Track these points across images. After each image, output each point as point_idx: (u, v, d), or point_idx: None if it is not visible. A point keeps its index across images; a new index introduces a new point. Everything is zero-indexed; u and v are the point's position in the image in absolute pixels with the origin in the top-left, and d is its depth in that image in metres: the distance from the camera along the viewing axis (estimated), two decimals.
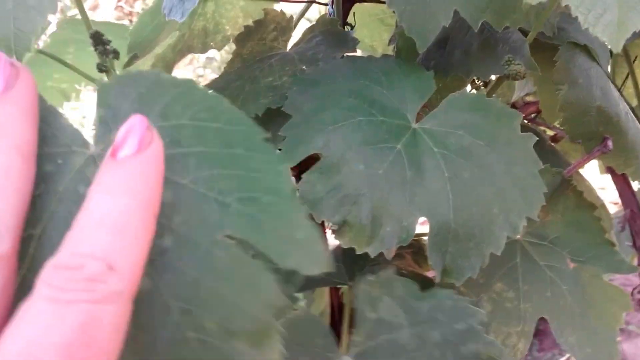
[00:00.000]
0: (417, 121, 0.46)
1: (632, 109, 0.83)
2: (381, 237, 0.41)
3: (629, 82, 0.82)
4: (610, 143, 0.51)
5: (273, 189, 0.24)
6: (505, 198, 0.43)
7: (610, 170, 0.83)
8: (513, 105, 0.69)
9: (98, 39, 0.49)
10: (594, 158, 0.52)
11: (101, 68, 0.49)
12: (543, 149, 0.59)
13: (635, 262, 0.89)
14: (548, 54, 0.51)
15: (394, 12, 0.46)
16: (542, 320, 0.52)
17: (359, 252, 0.41)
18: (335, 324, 0.57)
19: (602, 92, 0.50)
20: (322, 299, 0.61)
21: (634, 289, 0.90)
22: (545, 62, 0.51)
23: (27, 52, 0.38)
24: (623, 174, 0.84)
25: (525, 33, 0.50)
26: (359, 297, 0.39)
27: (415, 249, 0.57)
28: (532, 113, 0.67)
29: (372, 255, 0.41)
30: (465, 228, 0.42)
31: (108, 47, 0.49)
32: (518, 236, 0.53)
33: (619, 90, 0.78)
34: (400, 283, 0.41)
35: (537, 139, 0.45)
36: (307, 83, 0.47)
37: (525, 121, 0.68)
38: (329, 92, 0.46)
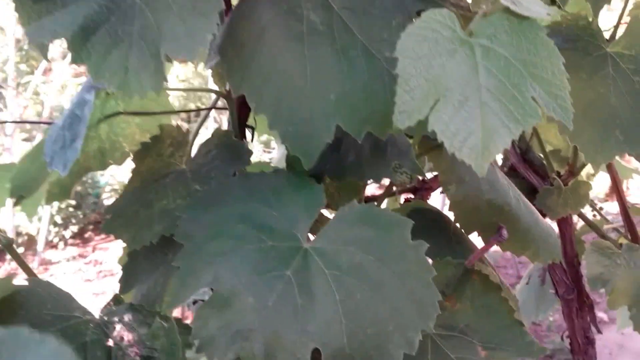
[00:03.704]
0: (309, 239, 0.46)
1: (541, 164, 0.86)
2: None
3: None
4: (504, 232, 0.52)
5: None
6: (400, 314, 0.43)
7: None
8: (423, 181, 0.70)
9: None
10: (491, 247, 0.53)
11: None
12: (447, 237, 0.60)
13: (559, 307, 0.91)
14: (437, 151, 0.52)
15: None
16: None
17: None
18: None
19: (490, 185, 0.52)
20: None
21: (562, 333, 0.92)
22: (437, 158, 0.53)
23: None
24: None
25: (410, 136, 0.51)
26: None
27: None
28: None
29: None
30: (361, 351, 0.42)
31: None
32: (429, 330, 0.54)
33: (524, 151, 0.81)
34: None
35: (427, 246, 0.45)
36: (199, 208, 0.47)
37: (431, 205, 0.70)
38: (219, 219, 0.46)
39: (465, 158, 0.39)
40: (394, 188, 0.81)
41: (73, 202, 5.02)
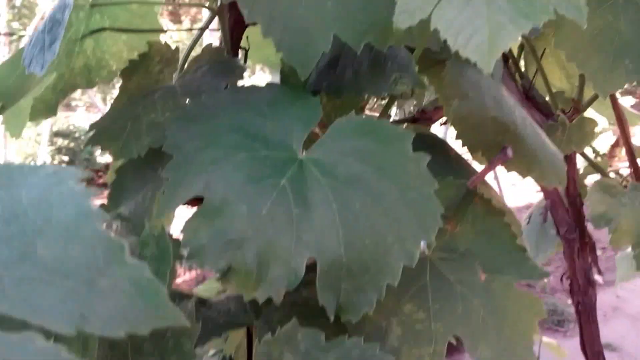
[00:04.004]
0: (306, 145, 0.44)
1: (545, 102, 0.84)
2: (269, 281, 0.39)
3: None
4: (509, 151, 0.50)
5: None
6: (399, 226, 0.41)
7: None
8: (423, 112, 0.68)
9: None
10: (495, 167, 0.51)
11: None
12: (447, 160, 0.58)
13: (561, 249, 0.90)
14: (438, 68, 0.50)
15: None
16: None
17: (247, 298, 0.39)
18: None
19: (495, 103, 0.49)
20: (237, 333, 0.59)
21: (562, 274, 0.91)
22: (438, 76, 0.50)
23: None
24: None
25: (412, 49, 0.48)
26: (260, 358, 0.37)
27: None
28: (443, 117, 0.67)
29: (261, 300, 0.39)
30: (359, 262, 0.40)
31: None
32: (427, 252, 0.52)
33: (526, 90, 0.78)
34: (303, 335, 0.38)
35: (429, 157, 0.43)
36: (189, 119, 0.45)
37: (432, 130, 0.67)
38: (210, 129, 0.44)
39: (470, 55, 0.36)
40: (391, 119, 0.79)
41: (66, 158, 4.96)
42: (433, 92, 0.72)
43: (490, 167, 0.51)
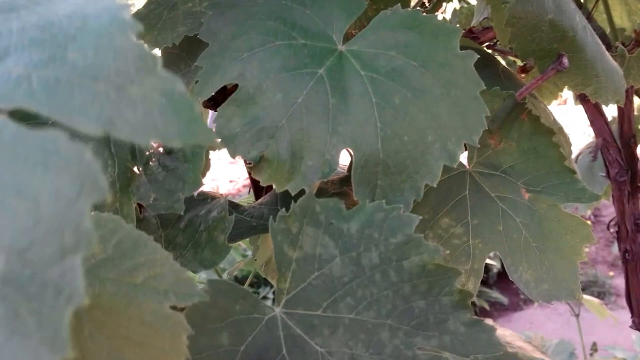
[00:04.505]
0: (345, 42, 0.41)
1: (603, 33, 0.78)
2: (302, 172, 0.38)
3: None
4: (565, 60, 0.46)
5: None
6: (441, 124, 0.39)
7: (582, 98, 0.78)
8: (470, 31, 0.64)
9: None
10: (548, 77, 0.47)
11: None
12: (495, 73, 0.55)
13: (610, 193, 0.86)
14: None
15: None
16: None
17: (278, 190, 0.38)
18: None
19: (555, 4, 0.45)
20: (268, 245, 0.58)
21: (610, 220, 0.87)
22: None
23: None
24: (596, 103, 0.80)
25: None
26: (276, 239, 0.36)
27: None
28: (492, 39, 0.63)
29: (293, 192, 0.37)
30: (396, 159, 0.38)
31: None
32: (467, 167, 0.49)
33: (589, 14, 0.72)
34: (321, 206, 0.36)
35: (478, 56, 0.40)
36: (225, 6, 0.43)
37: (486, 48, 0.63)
38: (247, 16, 0.42)
39: None
40: None
41: None
42: (481, 11, 0.68)
43: (543, 77, 0.48)
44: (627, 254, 0.83)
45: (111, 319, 0.21)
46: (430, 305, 0.33)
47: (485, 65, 0.54)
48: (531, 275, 0.48)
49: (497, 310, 3.25)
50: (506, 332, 0.85)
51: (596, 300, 1.25)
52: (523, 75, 0.90)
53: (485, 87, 0.40)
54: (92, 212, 0.22)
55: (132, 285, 0.21)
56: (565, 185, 0.50)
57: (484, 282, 3.33)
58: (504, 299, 3.28)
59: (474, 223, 0.47)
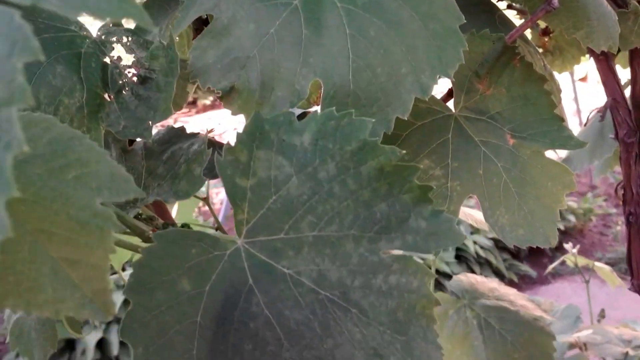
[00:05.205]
0: None
1: None
2: (272, 102, 0.38)
3: None
4: (555, 1, 0.45)
5: None
6: (416, 57, 0.38)
7: (593, 54, 0.76)
8: None
9: None
10: (538, 18, 0.46)
11: None
12: (491, 18, 0.54)
13: (619, 155, 0.83)
14: None
15: None
16: None
17: (247, 120, 0.38)
18: None
19: None
20: None
21: (617, 184, 0.85)
22: None
23: None
24: (607, 60, 0.77)
25: None
26: (225, 173, 0.34)
27: None
28: None
29: None
30: (367, 91, 0.38)
31: None
32: (454, 111, 0.49)
33: None
34: (270, 123, 0.34)
35: None
36: None
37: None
38: None
39: None
40: None
41: None
42: None
43: (533, 18, 0.46)
44: (630, 217, 0.81)
45: (35, 212, 0.21)
46: (391, 206, 0.33)
47: (483, 11, 0.53)
48: (507, 220, 0.48)
49: (526, 283, 3.25)
50: (510, 290, 0.85)
51: (607, 267, 1.23)
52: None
53: (465, 21, 0.39)
54: (25, 112, 0.23)
55: (62, 181, 0.22)
56: (552, 132, 0.49)
57: (515, 256, 3.33)
58: (533, 273, 3.27)
59: (454, 166, 0.47)
